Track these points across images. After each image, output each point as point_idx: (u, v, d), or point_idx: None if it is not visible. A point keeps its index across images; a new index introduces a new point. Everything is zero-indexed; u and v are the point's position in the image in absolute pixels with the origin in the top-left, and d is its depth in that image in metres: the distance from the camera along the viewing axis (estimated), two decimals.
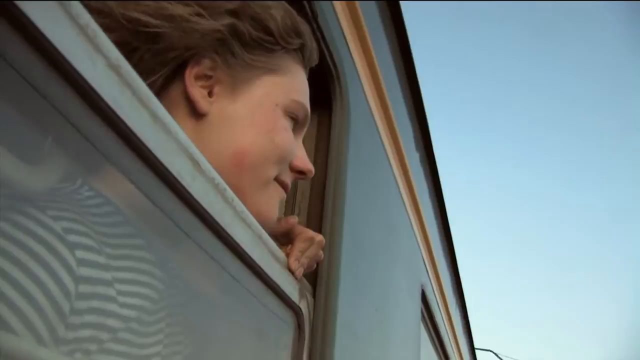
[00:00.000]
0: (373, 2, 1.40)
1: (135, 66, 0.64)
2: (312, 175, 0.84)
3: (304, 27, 0.81)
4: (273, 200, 0.78)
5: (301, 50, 0.82)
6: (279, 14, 0.77)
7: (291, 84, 0.79)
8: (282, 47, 0.78)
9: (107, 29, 0.46)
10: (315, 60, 0.86)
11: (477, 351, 5.88)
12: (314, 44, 0.85)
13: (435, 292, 2.75)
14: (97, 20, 0.43)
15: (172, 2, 0.70)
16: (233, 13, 0.73)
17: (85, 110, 0.43)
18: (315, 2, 0.94)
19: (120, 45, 0.46)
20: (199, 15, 0.71)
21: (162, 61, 0.71)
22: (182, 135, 0.54)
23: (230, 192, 0.64)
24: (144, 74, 0.67)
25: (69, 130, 0.45)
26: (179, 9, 0.70)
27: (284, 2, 0.79)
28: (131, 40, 0.69)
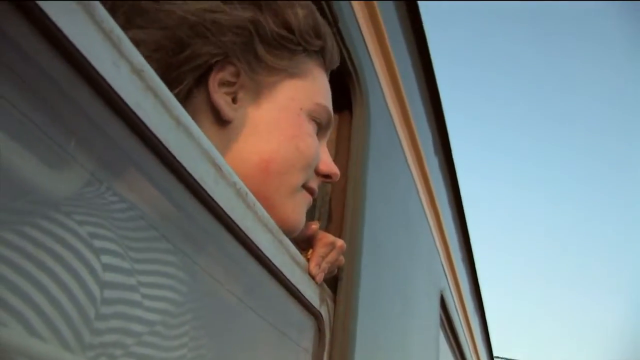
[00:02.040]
0: (391, 2, 1.39)
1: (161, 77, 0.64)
2: (338, 178, 0.83)
3: (325, 29, 0.81)
4: (300, 207, 0.77)
5: (322, 52, 0.81)
6: (301, 12, 0.76)
7: (314, 87, 0.79)
8: (302, 47, 0.77)
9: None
10: (336, 62, 0.86)
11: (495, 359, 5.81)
12: (335, 46, 0.84)
13: (454, 297, 2.72)
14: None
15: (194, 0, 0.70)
16: (256, 6, 0.73)
17: (109, 115, 0.43)
18: (334, 4, 0.94)
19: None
20: (222, 12, 0.71)
21: (186, 70, 0.70)
22: (205, 140, 0.54)
23: (251, 197, 0.64)
24: (169, 85, 0.67)
25: (93, 134, 0.45)
26: (204, 4, 0.70)
27: (307, 1, 0.78)
28: (154, 53, 0.69)
